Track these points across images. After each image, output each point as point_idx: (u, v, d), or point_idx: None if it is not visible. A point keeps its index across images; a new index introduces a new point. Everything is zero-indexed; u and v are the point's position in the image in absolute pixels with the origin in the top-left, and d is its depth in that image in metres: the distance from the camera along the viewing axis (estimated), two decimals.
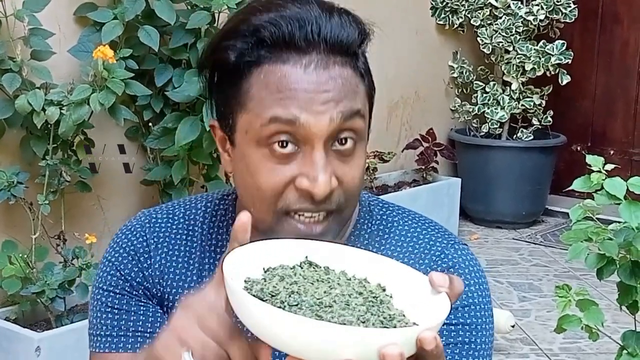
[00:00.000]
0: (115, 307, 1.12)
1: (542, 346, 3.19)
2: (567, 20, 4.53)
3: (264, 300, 0.80)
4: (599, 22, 4.94)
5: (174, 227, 1.15)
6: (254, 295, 0.81)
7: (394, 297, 0.87)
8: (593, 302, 2.05)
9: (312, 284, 0.85)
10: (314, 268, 0.89)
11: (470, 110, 4.70)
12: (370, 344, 0.74)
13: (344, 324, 0.77)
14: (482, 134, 4.72)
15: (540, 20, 4.47)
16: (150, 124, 2.93)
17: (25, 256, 2.58)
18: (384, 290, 0.87)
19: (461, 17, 4.65)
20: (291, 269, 0.88)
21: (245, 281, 0.85)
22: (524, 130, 4.67)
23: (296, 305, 0.80)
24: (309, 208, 0.99)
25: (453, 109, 4.82)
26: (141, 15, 2.79)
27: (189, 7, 2.86)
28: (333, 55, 0.99)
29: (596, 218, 1.94)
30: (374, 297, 0.84)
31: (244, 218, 0.86)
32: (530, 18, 4.44)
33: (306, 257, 0.90)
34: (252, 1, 1.04)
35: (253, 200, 1.03)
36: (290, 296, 0.81)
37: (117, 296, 1.13)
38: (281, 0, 1.00)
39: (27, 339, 2.42)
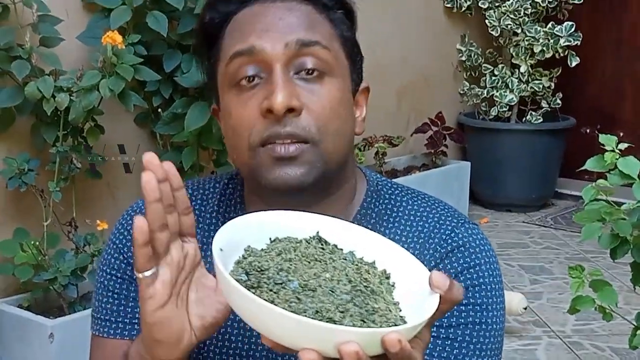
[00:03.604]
0: (116, 291, 1.13)
1: (555, 328, 3.19)
2: (576, 2, 4.51)
3: (249, 274, 0.81)
4: (607, 3, 4.91)
5: None
6: (242, 267, 0.82)
7: (397, 286, 0.85)
8: (606, 283, 2.04)
9: (308, 262, 0.85)
10: (322, 244, 0.88)
11: (479, 93, 4.68)
12: (325, 339, 0.73)
13: (319, 311, 0.77)
14: (491, 117, 4.70)
15: (549, 2, 4.45)
16: (159, 110, 2.92)
17: (37, 243, 2.58)
18: (388, 278, 0.86)
19: (469, 0, 4.63)
20: (297, 242, 0.87)
21: (245, 249, 0.85)
22: (533, 113, 4.66)
23: (280, 284, 0.80)
24: (275, 131, 1.00)
25: (462, 92, 4.80)
26: (149, 0, 2.78)
27: None
28: None
29: (607, 201, 1.93)
30: (365, 286, 0.83)
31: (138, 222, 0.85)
32: (539, 0, 4.41)
33: (317, 232, 0.89)
34: None
35: (234, 145, 1.06)
36: (278, 273, 0.81)
37: (119, 280, 1.13)
38: None
39: (41, 326, 2.43)
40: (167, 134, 2.91)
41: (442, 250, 1.07)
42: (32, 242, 2.57)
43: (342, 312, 0.78)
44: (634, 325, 2.07)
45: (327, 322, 0.76)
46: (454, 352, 1.03)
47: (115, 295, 1.13)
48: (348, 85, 1.07)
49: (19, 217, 2.71)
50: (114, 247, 1.15)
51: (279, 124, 1.00)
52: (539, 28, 4.45)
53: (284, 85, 1.00)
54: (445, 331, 1.04)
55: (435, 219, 1.11)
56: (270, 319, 0.74)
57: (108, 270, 1.14)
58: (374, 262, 0.88)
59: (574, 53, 4.52)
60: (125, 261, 1.13)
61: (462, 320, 1.04)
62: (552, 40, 4.45)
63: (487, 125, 4.69)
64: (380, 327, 0.77)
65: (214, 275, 1.06)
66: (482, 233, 1.11)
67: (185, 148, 2.88)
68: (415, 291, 0.83)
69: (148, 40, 2.82)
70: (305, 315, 0.76)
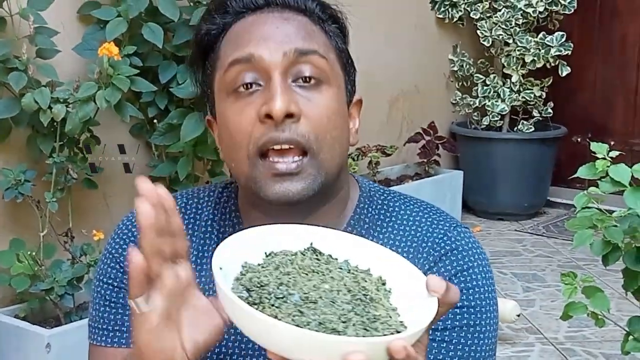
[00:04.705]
0: (113, 300, 1.14)
1: (548, 335, 3.21)
2: (567, 12, 4.54)
3: (250, 290, 0.81)
4: (598, 13, 4.96)
5: None
6: (242, 285, 0.82)
7: (393, 292, 0.87)
8: (598, 289, 2.06)
9: (306, 274, 0.85)
10: (317, 256, 0.89)
11: (471, 103, 4.71)
12: (332, 351, 0.74)
13: (322, 323, 0.77)
14: (483, 126, 4.73)
15: (540, 12, 4.48)
16: (155, 121, 2.94)
17: (34, 254, 2.59)
18: (384, 284, 0.87)
19: (461, 11, 4.67)
20: (292, 255, 0.88)
21: (242, 266, 0.85)
22: (525, 122, 4.69)
23: (282, 298, 0.80)
24: (274, 137, 1.01)
25: (454, 102, 4.83)
26: (144, 12, 2.79)
27: (192, 4, 2.87)
28: (289, 8, 1.08)
29: (598, 208, 1.95)
30: (364, 295, 0.84)
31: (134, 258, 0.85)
32: (530, 10, 4.45)
33: (311, 243, 0.90)
34: None
35: (231, 154, 1.06)
36: (278, 288, 0.82)
37: (115, 289, 1.14)
38: None
39: (37, 336, 2.43)
40: (162, 144, 2.93)
41: (435, 254, 1.09)
42: (29, 253, 2.58)
43: (344, 322, 0.78)
44: (626, 331, 2.09)
45: (331, 333, 0.77)
46: (449, 355, 1.05)
47: (112, 304, 1.14)
48: (343, 96, 1.09)
49: (15, 227, 2.72)
50: (110, 256, 1.16)
51: (278, 129, 1.01)
52: (530, 38, 4.49)
53: (283, 91, 1.01)
54: (440, 334, 1.05)
55: (428, 223, 1.12)
56: (276, 334, 0.75)
57: (104, 279, 1.15)
58: (368, 270, 0.89)
59: (564, 63, 4.56)
60: (121, 270, 1.14)
61: (457, 323, 1.06)
62: (543, 50, 4.48)
63: (479, 134, 4.72)
64: (383, 334, 0.78)
65: (211, 289, 1.06)
66: (474, 236, 1.13)
67: (180, 158, 2.90)
68: (411, 295, 0.84)
69: (144, 52, 2.84)
70: (309, 328, 0.76)
